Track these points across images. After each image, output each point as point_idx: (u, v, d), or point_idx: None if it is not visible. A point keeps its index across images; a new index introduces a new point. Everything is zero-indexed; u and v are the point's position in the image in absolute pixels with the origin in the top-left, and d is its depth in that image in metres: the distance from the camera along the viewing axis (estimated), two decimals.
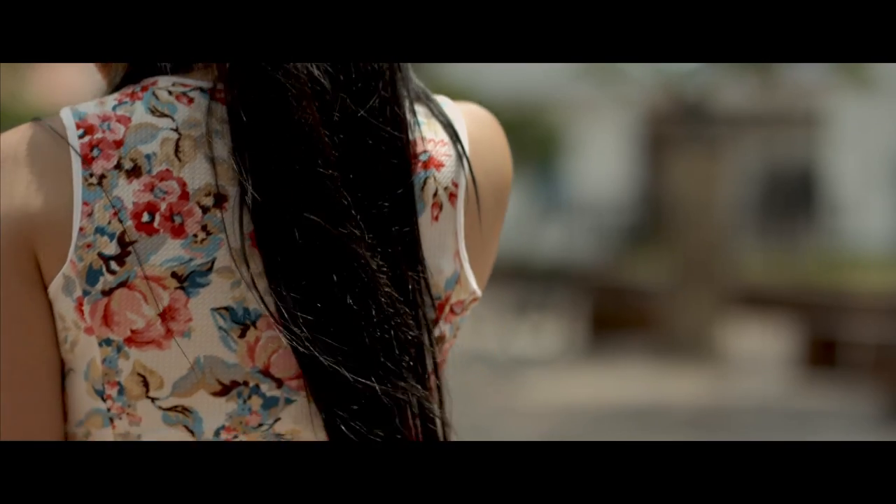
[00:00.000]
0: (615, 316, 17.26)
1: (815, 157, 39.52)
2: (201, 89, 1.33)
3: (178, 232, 1.27)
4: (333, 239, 1.26)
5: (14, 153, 1.29)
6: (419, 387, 1.34)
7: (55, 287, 1.28)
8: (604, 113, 37.93)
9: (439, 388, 1.41)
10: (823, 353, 14.43)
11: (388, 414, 1.31)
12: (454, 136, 1.38)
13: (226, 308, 1.29)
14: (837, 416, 12.36)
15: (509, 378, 14.97)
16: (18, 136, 1.30)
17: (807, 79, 34.59)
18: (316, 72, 1.31)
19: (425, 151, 1.36)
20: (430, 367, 1.36)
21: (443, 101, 1.43)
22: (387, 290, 1.29)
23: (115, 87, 1.38)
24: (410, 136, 1.34)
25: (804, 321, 15.45)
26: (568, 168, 32.77)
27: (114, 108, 1.31)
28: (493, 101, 34.46)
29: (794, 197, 37.16)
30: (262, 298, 1.27)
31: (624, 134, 39.27)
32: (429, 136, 1.37)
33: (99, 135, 1.30)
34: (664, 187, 20.22)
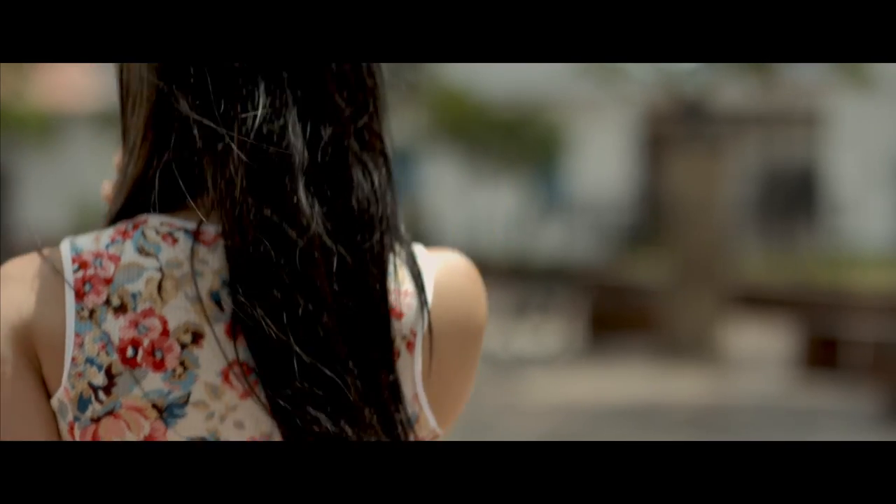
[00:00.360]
0: (615, 315, 17.27)
1: (814, 157, 39.52)
2: (185, 230, 1.42)
3: (158, 366, 1.38)
4: (328, 379, 1.37)
5: (21, 275, 1.42)
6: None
7: (54, 404, 1.42)
8: (604, 112, 37.93)
9: None
10: (823, 353, 14.44)
11: None
12: (420, 287, 1.46)
13: (200, 439, 1.41)
14: (837, 415, 12.37)
15: (510, 377, 14.99)
16: (25, 262, 1.44)
17: (807, 79, 34.59)
18: (319, 222, 1.38)
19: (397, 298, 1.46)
20: None
21: (419, 250, 1.52)
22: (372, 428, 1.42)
23: (112, 219, 1.48)
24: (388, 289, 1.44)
25: (804, 321, 15.46)
26: (568, 167, 32.79)
27: (107, 247, 1.42)
28: (493, 101, 34.47)
29: (794, 196, 37.16)
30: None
31: (624, 133, 39.27)
32: (393, 287, 1.45)
33: (91, 271, 1.40)
34: (664, 187, 20.23)
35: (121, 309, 1.39)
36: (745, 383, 14.54)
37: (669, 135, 20.56)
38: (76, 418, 1.41)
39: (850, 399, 13.30)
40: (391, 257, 1.45)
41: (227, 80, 1.41)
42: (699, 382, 14.58)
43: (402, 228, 1.49)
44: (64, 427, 1.42)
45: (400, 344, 1.44)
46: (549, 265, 30.31)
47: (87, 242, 1.42)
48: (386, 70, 1.56)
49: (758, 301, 19.16)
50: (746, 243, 23.12)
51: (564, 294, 16.31)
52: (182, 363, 1.38)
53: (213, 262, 1.40)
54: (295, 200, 1.37)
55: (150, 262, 1.40)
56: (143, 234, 1.42)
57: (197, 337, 1.39)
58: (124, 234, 1.42)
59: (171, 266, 1.40)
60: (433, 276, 1.49)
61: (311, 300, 1.36)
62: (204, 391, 1.39)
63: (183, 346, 1.38)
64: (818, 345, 14.48)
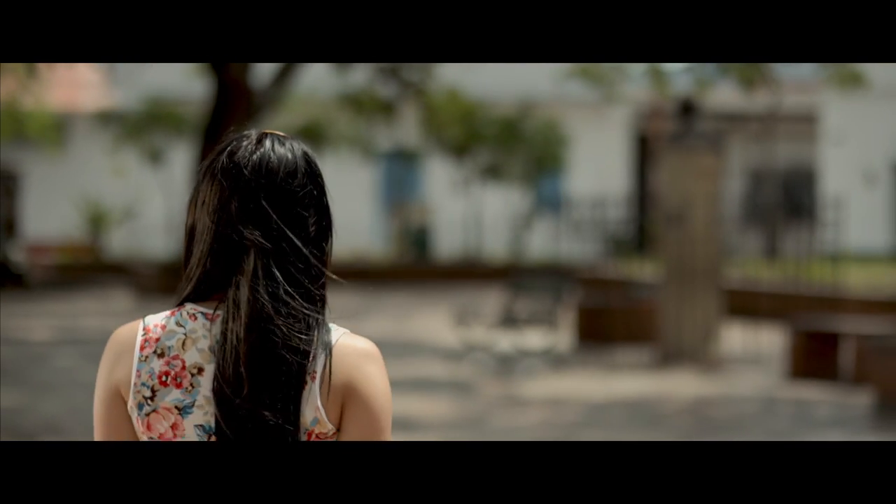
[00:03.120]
0: (609, 313, 17.33)
1: (810, 156, 39.55)
2: (202, 313, 2.56)
3: (178, 386, 2.53)
4: (256, 415, 2.52)
5: (118, 342, 2.59)
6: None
7: (129, 409, 2.58)
8: (599, 111, 37.97)
9: None
10: (818, 352, 14.49)
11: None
12: (326, 349, 2.54)
13: (201, 425, 2.54)
14: (831, 414, 12.43)
15: (504, 372, 15.04)
16: (126, 331, 2.59)
17: (802, 78, 34.62)
18: (276, 322, 2.51)
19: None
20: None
21: (337, 331, 2.58)
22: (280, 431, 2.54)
23: (177, 302, 2.60)
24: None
25: (798, 320, 15.52)
26: (562, 166, 32.79)
27: (163, 320, 2.57)
28: (491, 100, 34.50)
29: (789, 195, 37.19)
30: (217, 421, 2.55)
31: (619, 132, 39.31)
32: (312, 349, 2.55)
33: (150, 334, 2.57)
34: (659, 185, 20.28)
35: (161, 355, 2.54)
36: (738, 382, 14.61)
37: (664, 134, 20.62)
38: (138, 414, 2.55)
39: (844, 398, 13.37)
40: (315, 337, 2.55)
41: (237, 248, 2.55)
42: (692, 380, 14.64)
43: (327, 321, 2.58)
44: (134, 420, 2.56)
45: (307, 378, 2.52)
46: (543, 263, 30.36)
47: (153, 318, 2.58)
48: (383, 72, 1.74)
49: (752, 299, 19.23)
50: (741, 241, 23.17)
51: (559, 291, 16.36)
52: (191, 384, 2.53)
53: (214, 330, 2.54)
54: (265, 309, 2.53)
55: (180, 330, 2.56)
56: (181, 314, 2.57)
57: (200, 370, 2.54)
58: (172, 313, 2.58)
59: (190, 333, 2.55)
60: (336, 346, 2.57)
61: (259, 355, 2.52)
62: (202, 400, 2.54)
63: (192, 375, 2.53)
64: (813, 344, 14.53)
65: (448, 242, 35.84)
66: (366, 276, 28.83)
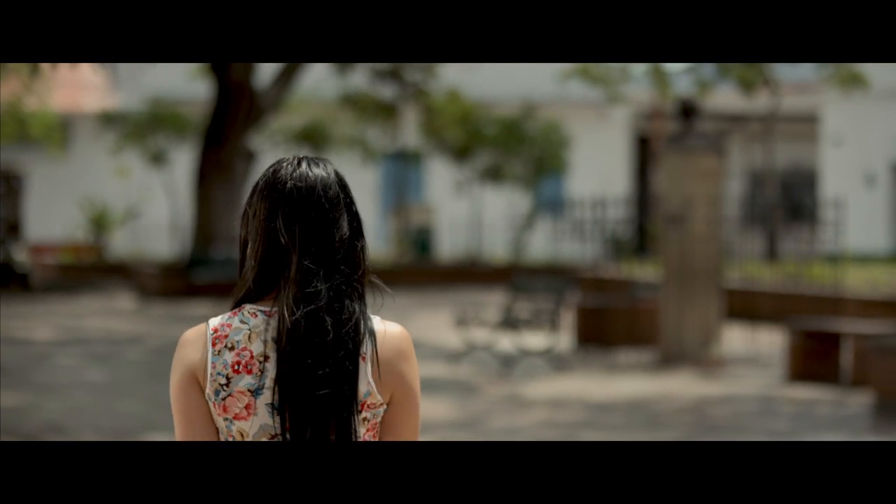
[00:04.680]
0: (609, 314, 17.37)
1: (810, 157, 39.58)
2: (262, 311, 3.01)
3: (249, 372, 2.97)
4: (322, 379, 2.99)
5: (189, 340, 3.04)
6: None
7: (206, 396, 3.01)
8: (600, 112, 38.00)
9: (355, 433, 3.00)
10: (818, 353, 14.53)
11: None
12: (371, 335, 3.01)
13: (270, 403, 2.97)
14: (830, 414, 12.47)
15: (505, 373, 15.09)
16: (194, 332, 3.03)
17: (802, 79, 34.64)
18: (324, 312, 2.96)
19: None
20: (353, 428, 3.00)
21: (375, 319, 3.06)
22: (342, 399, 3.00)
23: (234, 305, 3.06)
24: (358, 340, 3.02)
25: (798, 321, 15.56)
26: (563, 167, 32.81)
27: (227, 320, 3.03)
28: (492, 102, 34.53)
29: (789, 196, 37.21)
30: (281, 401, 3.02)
31: (620, 133, 39.34)
32: (361, 334, 3.02)
33: (219, 333, 3.01)
34: (659, 186, 20.33)
35: (231, 348, 2.99)
36: (738, 383, 14.65)
37: (665, 134, 20.66)
38: (215, 399, 2.98)
39: (844, 398, 13.41)
40: (361, 324, 3.02)
41: (283, 253, 3.01)
42: (692, 381, 14.68)
43: (367, 310, 3.06)
44: (212, 404, 2.98)
45: (360, 357, 2.99)
46: (544, 264, 30.39)
47: (217, 320, 3.03)
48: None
49: (752, 300, 19.27)
50: (741, 241, 23.19)
51: (559, 292, 16.41)
52: (260, 370, 2.97)
53: (272, 324, 2.99)
54: (310, 303, 2.97)
55: (244, 326, 3.00)
56: (243, 314, 3.02)
57: (266, 358, 2.98)
58: (234, 314, 3.03)
59: (254, 328, 3.00)
60: (378, 330, 3.05)
61: (308, 342, 2.96)
62: (270, 382, 2.97)
63: (259, 363, 2.97)
64: (812, 344, 14.57)
65: (449, 243, 35.88)
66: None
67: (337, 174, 3.05)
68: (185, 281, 25.82)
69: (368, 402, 2.97)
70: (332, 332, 2.94)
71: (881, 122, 33.35)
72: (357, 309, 3.00)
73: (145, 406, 12.66)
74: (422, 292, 27.58)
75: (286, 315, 2.93)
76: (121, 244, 35.06)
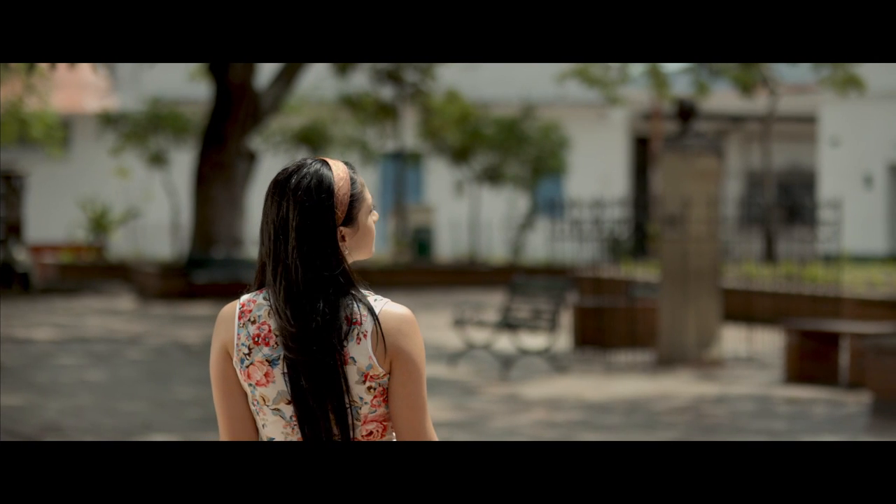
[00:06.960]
0: (608, 314, 17.40)
1: (807, 158, 39.60)
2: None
3: (267, 343, 3.38)
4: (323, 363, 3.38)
5: (223, 318, 3.44)
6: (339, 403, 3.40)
7: (234, 363, 3.42)
8: (598, 113, 38.02)
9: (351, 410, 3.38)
10: (815, 353, 14.56)
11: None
12: (372, 314, 3.37)
13: (285, 372, 3.36)
14: (828, 415, 12.50)
15: (504, 373, 15.12)
16: (229, 308, 3.43)
17: (799, 80, 34.68)
18: (311, 289, 3.37)
19: (357, 320, 3.39)
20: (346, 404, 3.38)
21: (373, 298, 3.42)
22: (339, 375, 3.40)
23: (259, 286, 3.45)
24: (353, 319, 3.39)
25: (796, 322, 15.59)
26: (562, 168, 32.83)
27: (253, 296, 3.42)
28: (491, 102, 34.57)
29: (787, 196, 37.23)
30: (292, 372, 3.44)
31: (618, 134, 39.36)
32: (357, 316, 3.39)
33: (244, 308, 3.41)
34: (657, 187, 20.37)
35: (253, 322, 3.39)
36: (736, 383, 14.68)
37: (663, 135, 20.68)
38: (240, 367, 3.38)
39: (841, 399, 13.44)
40: (352, 304, 3.40)
41: (286, 240, 3.38)
42: (690, 382, 14.71)
43: (361, 289, 3.43)
44: (239, 371, 3.39)
45: (360, 336, 3.37)
46: (543, 265, 30.42)
47: (246, 296, 3.42)
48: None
49: (750, 301, 19.31)
50: (739, 243, 23.23)
51: (558, 293, 16.44)
52: (276, 343, 3.36)
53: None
54: (299, 283, 3.38)
55: (265, 303, 3.39)
56: (266, 292, 3.39)
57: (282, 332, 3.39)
58: (259, 292, 3.42)
59: (272, 306, 3.39)
60: (380, 311, 3.40)
61: (297, 317, 3.36)
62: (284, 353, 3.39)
63: (276, 336, 3.36)
64: (808, 345, 14.60)
65: (448, 244, 35.91)
66: (366, 276, 28.82)
67: (342, 173, 3.42)
68: (184, 281, 25.86)
69: (371, 374, 3.34)
70: (314, 308, 3.33)
71: (879, 123, 33.37)
72: (341, 288, 3.39)
73: (145, 406, 12.70)
74: (421, 293, 27.61)
75: (280, 294, 3.35)
76: (121, 244, 35.09)
